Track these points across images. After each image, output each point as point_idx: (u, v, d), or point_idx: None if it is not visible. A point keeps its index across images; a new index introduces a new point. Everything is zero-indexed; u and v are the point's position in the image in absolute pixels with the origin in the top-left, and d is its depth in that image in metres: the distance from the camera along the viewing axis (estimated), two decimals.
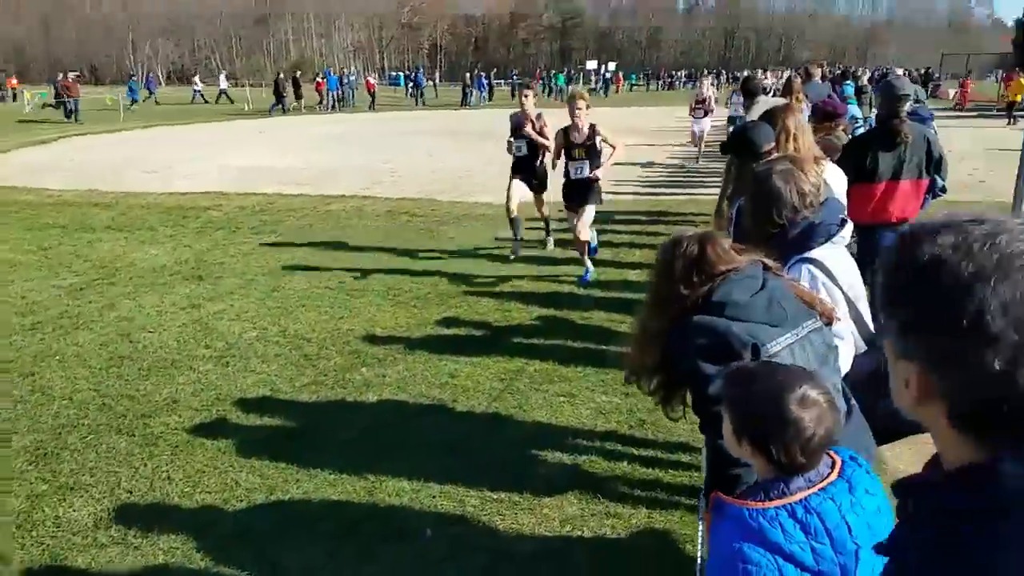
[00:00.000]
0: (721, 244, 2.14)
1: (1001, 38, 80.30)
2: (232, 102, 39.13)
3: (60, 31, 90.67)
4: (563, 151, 7.00)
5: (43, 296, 7.06)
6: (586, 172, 6.88)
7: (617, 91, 53.19)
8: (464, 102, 39.43)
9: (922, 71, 41.25)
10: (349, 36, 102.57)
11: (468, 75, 43.28)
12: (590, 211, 6.94)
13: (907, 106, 4.70)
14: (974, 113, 26.36)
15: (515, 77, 53.44)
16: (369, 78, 43.64)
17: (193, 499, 3.72)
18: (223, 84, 42.79)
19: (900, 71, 25.13)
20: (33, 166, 16.63)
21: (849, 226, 2.52)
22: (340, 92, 37.99)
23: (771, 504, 1.49)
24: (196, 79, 46.79)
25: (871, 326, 2.54)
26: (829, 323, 2.20)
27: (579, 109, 6.82)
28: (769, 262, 2.19)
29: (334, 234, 9.49)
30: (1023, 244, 0.79)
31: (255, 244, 9.00)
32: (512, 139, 7.90)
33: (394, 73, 57.00)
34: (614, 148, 7.09)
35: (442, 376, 5.07)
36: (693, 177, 13.61)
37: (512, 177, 7.95)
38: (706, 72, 49.38)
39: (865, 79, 18.75)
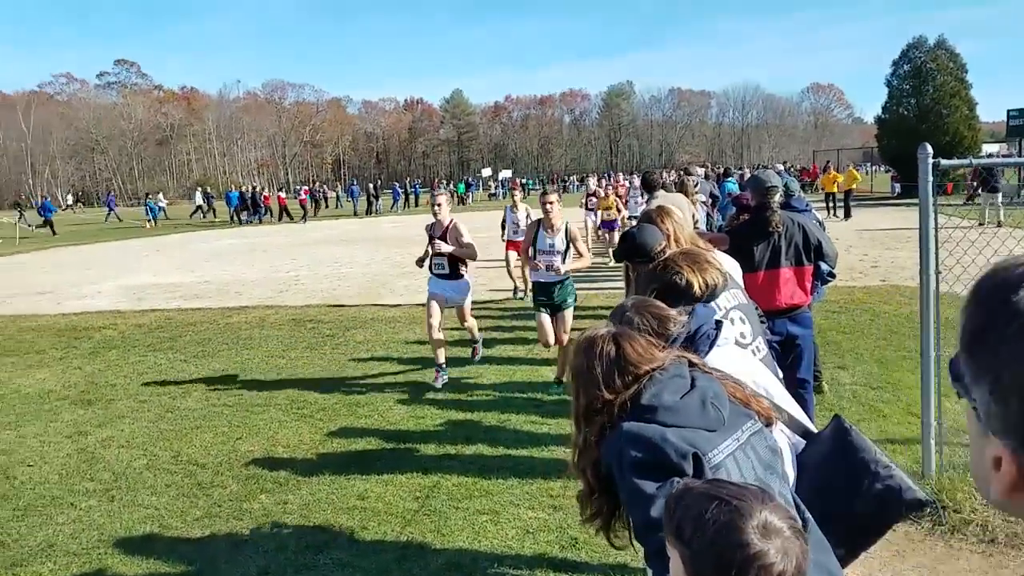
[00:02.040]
0: (639, 340, 1.96)
1: (860, 134, 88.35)
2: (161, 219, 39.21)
3: None
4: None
5: None
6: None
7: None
8: (369, 211, 40.18)
9: (799, 167, 44.45)
10: (252, 154, 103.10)
11: (372, 186, 44.72)
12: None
13: (777, 197, 4.81)
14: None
15: (416, 187, 54.69)
16: (305, 189, 44.21)
17: None
18: (163, 202, 45.33)
19: (780, 166, 26.67)
20: None
21: (732, 328, 2.40)
22: (242, 206, 37.94)
23: None
24: (159, 196, 49.12)
25: (804, 421, 2.37)
26: (768, 424, 2.00)
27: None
28: (694, 358, 2.01)
29: (235, 347, 9.00)
30: None
31: (151, 363, 8.43)
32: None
33: (298, 187, 58.75)
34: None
35: (350, 499, 4.63)
36: (596, 270, 13.73)
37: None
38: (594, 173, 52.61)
39: (748, 175, 19.88)
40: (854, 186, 24.37)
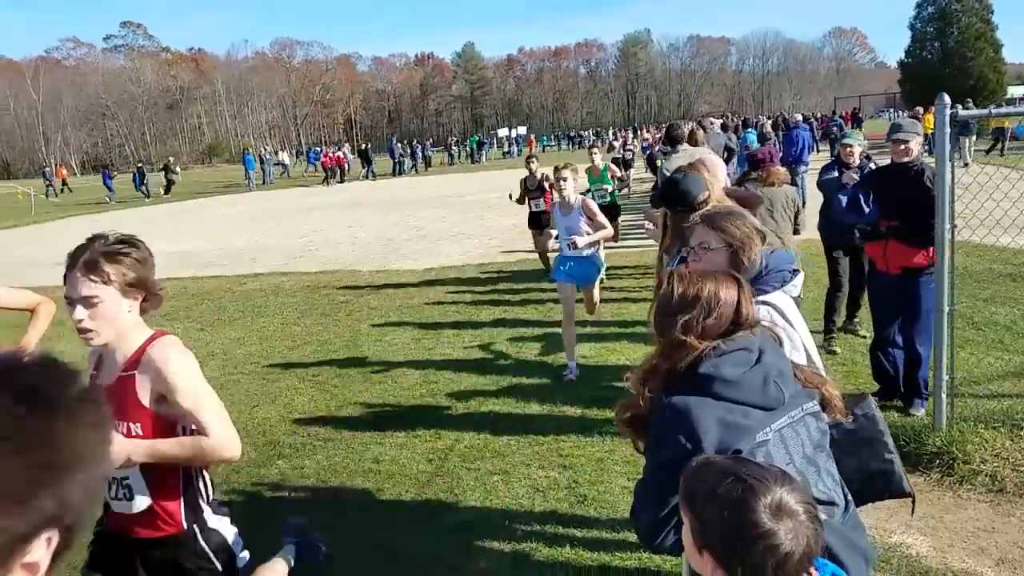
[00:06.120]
0: (746, 294, 1.88)
1: (884, 79, 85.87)
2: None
3: None
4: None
5: None
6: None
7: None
8: (396, 171, 39.03)
9: (819, 115, 43.53)
10: (263, 116, 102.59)
11: (399, 144, 42.81)
12: None
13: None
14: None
15: (430, 145, 54.11)
16: (325, 151, 41.83)
17: None
18: (285, 159, 47.60)
19: (799, 116, 26.25)
20: None
21: (801, 275, 2.40)
22: (260, 171, 37.59)
23: None
24: (282, 154, 50.80)
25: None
26: (824, 407, 1.93)
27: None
28: (768, 326, 1.95)
29: (250, 315, 9.08)
30: None
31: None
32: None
33: (311, 149, 58.41)
34: None
35: (365, 463, 4.71)
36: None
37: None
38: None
39: (768, 126, 19.44)
40: None
